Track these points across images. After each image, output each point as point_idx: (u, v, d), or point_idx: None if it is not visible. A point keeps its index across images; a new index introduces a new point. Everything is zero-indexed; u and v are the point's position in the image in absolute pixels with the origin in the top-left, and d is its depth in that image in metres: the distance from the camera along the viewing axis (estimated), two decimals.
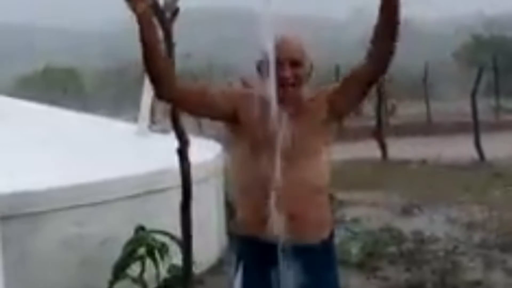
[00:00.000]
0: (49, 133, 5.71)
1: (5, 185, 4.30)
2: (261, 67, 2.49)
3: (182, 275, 4.57)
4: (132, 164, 5.17)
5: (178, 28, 4.45)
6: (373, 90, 13.90)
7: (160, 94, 2.52)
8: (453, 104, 21.36)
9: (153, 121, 7.24)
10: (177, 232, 4.46)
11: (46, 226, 4.51)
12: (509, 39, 33.07)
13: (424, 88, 20.80)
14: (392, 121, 18.92)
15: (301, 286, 2.47)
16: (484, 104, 17.68)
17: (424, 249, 6.10)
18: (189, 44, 16.43)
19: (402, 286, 5.16)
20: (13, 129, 5.64)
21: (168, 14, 4.38)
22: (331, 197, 2.66)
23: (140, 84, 6.63)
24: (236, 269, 2.61)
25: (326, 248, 2.62)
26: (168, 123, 5.14)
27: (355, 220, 7.18)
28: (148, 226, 4.60)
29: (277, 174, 2.37)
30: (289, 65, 2.47)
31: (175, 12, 4.43)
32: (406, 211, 7.74)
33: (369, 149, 12.88)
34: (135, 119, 7.10)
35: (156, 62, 2.43)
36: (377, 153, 12.79)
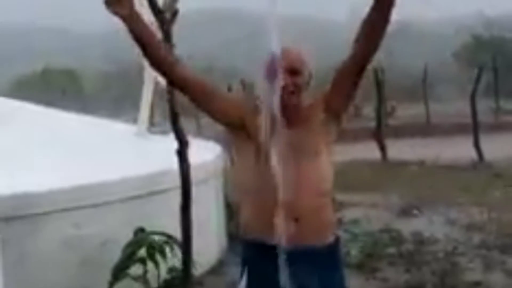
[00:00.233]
0: (49, 134, 5.71)
1: (5, 186, 4.31)
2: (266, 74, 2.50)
3: (181, 276, 4.58)
4: (132, 165, 5.17)
5: (178, 29, 4.46)
6: (373, 92, 13.94)
7: (164, 78, 2.80)
8: (453, 105, 21.39)
9: (152, 122, 7.24)
10: (177, 233, 4.47)
11: (46, 227, 4.51)
12: (509, 40, 33.10)
13: (424, 89, 20.80)
14: (392, 122, 18.94)
15: None
16: (484, 105, 17.66)
17: (424, 250, 6.10)
18: (190, 46, 16.41)
19: (402, 287, 5.17)
20: (13, 130, 5.64)
21: (167, 15, 4.39)
22: (332, 199, 2.67)
23: (140, 85, 6.62)
24: (242, 273, 2.62)
25: (331, 251, 2.62)
26: (167, 124, 5.15)
27: (355, 221, 7.19)
28: (148, 227, 4.60)
29: (281, 178, 2.37)
30: (289, 73, 2.50)
31: (175, 13, 4.44)
32: (406, 212, 7.74)
33: (368, 150, 12.89)
34: (134, 121, 7.10)
35: (154, 54, 2.54)
36: (376, 154, 12.78)
